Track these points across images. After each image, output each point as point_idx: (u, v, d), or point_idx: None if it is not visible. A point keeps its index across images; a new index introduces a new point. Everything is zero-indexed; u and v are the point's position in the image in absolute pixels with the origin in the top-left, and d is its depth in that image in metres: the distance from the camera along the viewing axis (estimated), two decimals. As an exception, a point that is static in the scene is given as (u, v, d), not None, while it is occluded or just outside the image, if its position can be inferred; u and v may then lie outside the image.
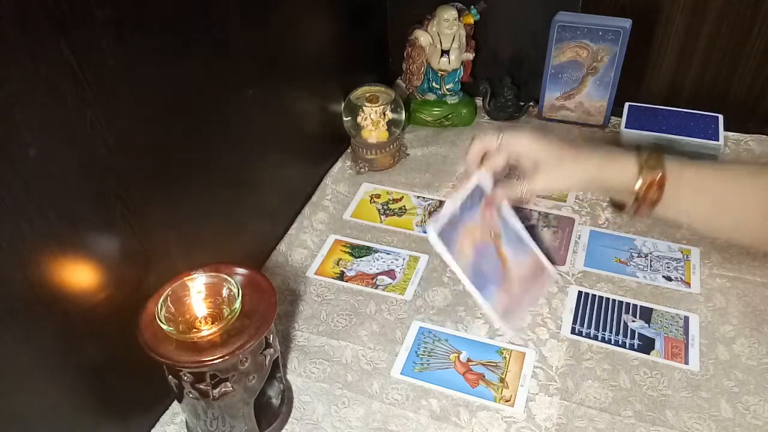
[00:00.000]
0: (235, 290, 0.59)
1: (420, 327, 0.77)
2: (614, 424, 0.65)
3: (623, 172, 0.65)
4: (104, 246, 0.58)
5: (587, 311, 0.78)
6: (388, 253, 0.88)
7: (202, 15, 0.66)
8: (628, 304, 0.78)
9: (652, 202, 0.64)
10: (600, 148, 0.68)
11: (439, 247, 0.65)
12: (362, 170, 1.03)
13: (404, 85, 1.14)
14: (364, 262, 0.86)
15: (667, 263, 0.83)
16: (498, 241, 0.72)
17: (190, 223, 0.70)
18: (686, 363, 0.71)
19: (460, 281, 0.68)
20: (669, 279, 0.81)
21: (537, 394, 0.69)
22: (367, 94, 1.02)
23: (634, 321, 0.76)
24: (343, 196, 0.99)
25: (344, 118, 1.03)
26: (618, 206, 0.70)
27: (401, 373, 0.72)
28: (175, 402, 0.69)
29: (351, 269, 0.86)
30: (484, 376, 0.71)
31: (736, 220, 0.67)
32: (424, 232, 0.91)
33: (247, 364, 0.58)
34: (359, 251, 0.88)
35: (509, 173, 0.70)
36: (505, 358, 0.73)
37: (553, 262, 0.80)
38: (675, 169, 0.65)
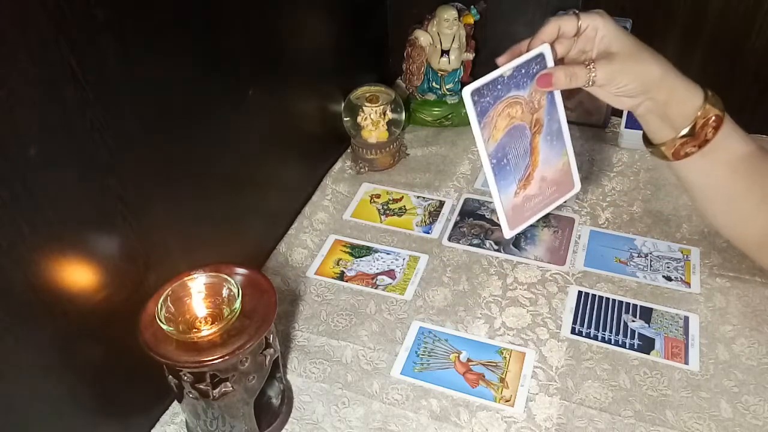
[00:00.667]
0: (235, 290, 0.59)
1: (420, 327, 0.77)
2: (614, 424, 0.65)
3: (689, 96, 0.61)
4: (104, 246, 0.58)
5: (587, 311, 0.78)
6: (388, 253, 0.88)
7: (202, 15, 0.66)
8: (628, 304, 0.78)
9: (701, 141, 0.62)
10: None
11: (470, 108, 0.57)
12: (362, 170, 1.03)
13: (404, 85, 1.14)
14: (364, 262, 0.86)
15: (667, 263, 0.83)
16: (537, 130, 0.62)
17: (190, 223, 0.70)
18: (686, 363, 0.71)
19: (481, 162, 0.60)
20: (669, 279, 0.81)
21: (537, 394, 0.69)
22: (367, 94, 1.02)
23: (634, 321, 0.76)
24: (343, 196, 0.99)
25: (344, 118, 1.03)
26: (651, 143, 0.66)
27: (401, 373, 0.72)
28: (175, 402, 0.69)
29: (351, 269, 0.86)
30: (484, 376, 0.71)
31: (753, 207, 0.65)
32: (426, 232, 0.91)
33: (247, 364, 0.58)
34: (359, 251, 0.88)
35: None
36: (505, 358, 0.73)
37: (553, 261, 0.77)
38: (730, 122, 0.62)
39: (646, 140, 0.68)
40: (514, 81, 0.59)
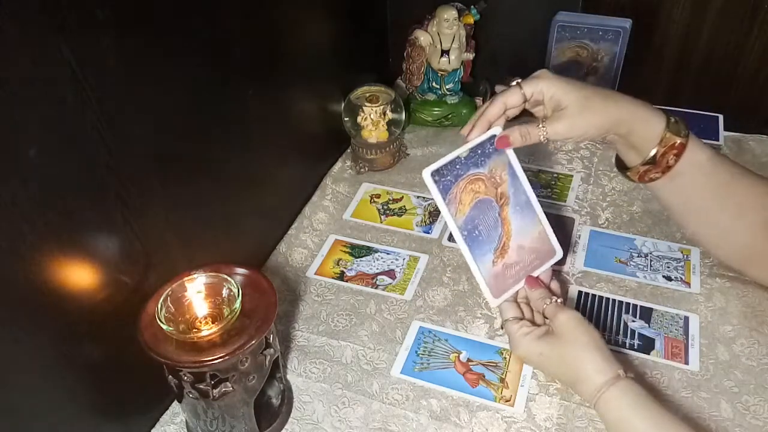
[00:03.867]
0: (235, 290, 0.59)
1: (420, 327, 0.77)
2: (614, 424, 0.65)
3: (649, 125, 0.63)
4: (104, 246, 0.58)
5: (587, 311, 0.78)
6: (388, 253, 0.88)
7: (202, 15, 0.66)
8: (628, 304, 0.78)
9: (663, 167, 0.64)
10: (624, 96, 0.64)
11: (432, 186, 0.61)
12: (362, 170, 1.03)
13: (404, 85, 1.14)
14: (364, 262, 0.86)
15: (667, 263, 0.83)
16: (504, 203, 0.65)
17: (190, 223, 0.70)
18: (686, 363, 0.71)
19: (454, 238, 0.63)
20: (669, 279, 0.81)
21: (537, 394, 0.69)
22: (367, 94, 1.02)
23: (634, 321, 0.76)
24: (343, 196, 0.99)
25: (344, 118, 1.03)
26: (622, 167, 0.69)
27: (401, 373, 0.72)
28: (175, 402, 0.69)
29: (351, 269, 0.86)
30: (484, 376, 0.71)
31: (730, 221, 0.67)
32: (426, 232, 0.91)
33: (247, 364, 0.58)
34: (359, 251, 0.88)
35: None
36: (505, 358, 0.73)
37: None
38: (696, 144, 0.64)
39: (618, 163, 0.70)
40: (471, 160, 0.63)
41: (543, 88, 0.63)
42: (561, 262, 0.84)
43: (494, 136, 0.63)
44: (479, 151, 0.63)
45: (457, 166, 0.62)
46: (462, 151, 0.62)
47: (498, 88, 0.67)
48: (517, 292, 0.67)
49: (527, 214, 0.67)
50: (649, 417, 0.57)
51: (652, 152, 0.63)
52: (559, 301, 0.65)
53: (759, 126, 1.05)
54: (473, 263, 0.64)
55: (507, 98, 0.64)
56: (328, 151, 1.06)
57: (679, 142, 0.63)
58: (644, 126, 0.63)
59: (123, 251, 0.60)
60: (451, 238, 0.89)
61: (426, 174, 0.61)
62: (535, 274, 0.68)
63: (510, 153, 0.65)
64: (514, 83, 0.64)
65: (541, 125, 0.63)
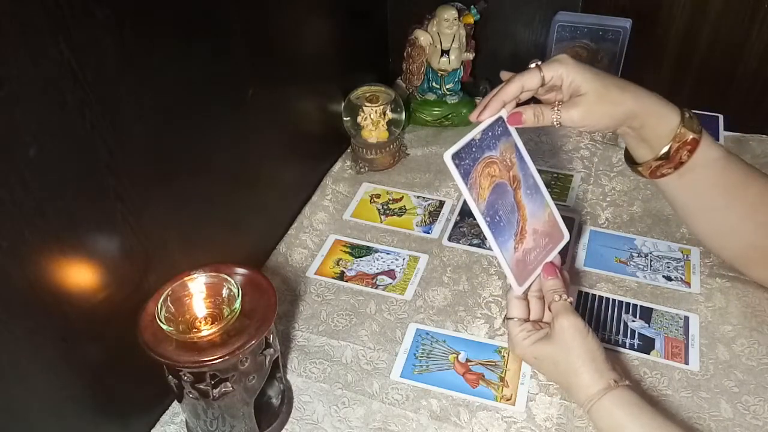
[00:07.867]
0: (235, 290, 0.59)
1: (417, 329, 0.77)
2: (614, 424, 0.65)
3: (663, 120, 0.63)
4: (104, 246, 0.58)
5: (587, 311, 0.78)
6: (388, 253, 0.88)
7: (202, 15, 0.66)
8: (628, 304, 0.78)
9: (676, 163, 0.63)
10: (641, 88, 0.64)
11: (453, 171, 0.59)
12: (362, 170, 1.03)
13: (404, 85, 1.14)
14: (364, 262, 0.86)
15: (667, 263, 0.83)
16: (517, 186, 0.64)
17: (190, 223, 0.70)
18: (686, 363, 0.71)
19: (478, 223, 0.61)
20: (669, 279, 0.81)
21: (537, 394, 0.69)
22: (367, 94, 1.02)
23: (634, 321, 0.76)
24: (343, 196, 0.99)
25: (344, 118, 1.03)
26: (632, 162, 0.68)
27: (401, 376, 0.71)
28: (175, 402, 0.69)
29: (351, 269, 0.86)
30: (483, 376, 0.71)
31: (738, 221, 0.67)
32: (426, 232, 0.91)
33: (247, 364, 0.58)
34: (359, 251, 0.88)
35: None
36: (504, 356, 0.73)
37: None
38: (708, 141, 0.63)
39: (627, 158, 0.69)
40: (485, 143, 0.61)
41: (563, 72, 0.61)
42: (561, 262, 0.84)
43: (500, 118, 0.62)
44: (490, 133, 0.62)
45: (473, 149, 0.60)
46: (476, 132, 0.61)
47: (505, 75, 0.65)
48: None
49: (536, 197, 0.66)
50: (641, 423, 0.56)
51: (666, 147, 0.63)
52: (569, 300, 0.63)
53: (759, 126, 1.05)
54: (498, 251, 0.62)
55: (525, 80, 0.62)
56: (328, 151, 1.06)
57: (692, 137, 0.62)
58: (658, 120, 0.63)
59: (123, 251, 0.60)
60: (451, 237, 0.90)
61: (447, 157, 0.59)
62: (549, 258, 0.66)
63: (515, 135, 0.64)
64: (533, 65, 0.62)
65: (555, 108, 0.62)
